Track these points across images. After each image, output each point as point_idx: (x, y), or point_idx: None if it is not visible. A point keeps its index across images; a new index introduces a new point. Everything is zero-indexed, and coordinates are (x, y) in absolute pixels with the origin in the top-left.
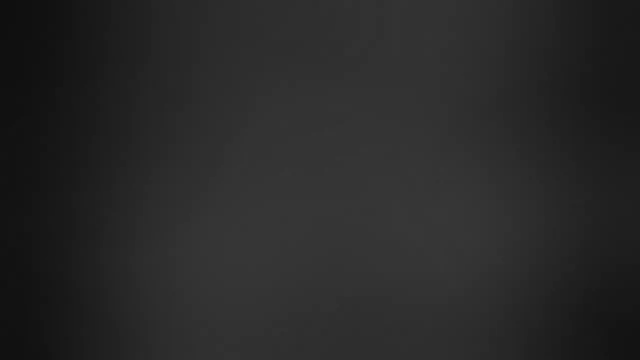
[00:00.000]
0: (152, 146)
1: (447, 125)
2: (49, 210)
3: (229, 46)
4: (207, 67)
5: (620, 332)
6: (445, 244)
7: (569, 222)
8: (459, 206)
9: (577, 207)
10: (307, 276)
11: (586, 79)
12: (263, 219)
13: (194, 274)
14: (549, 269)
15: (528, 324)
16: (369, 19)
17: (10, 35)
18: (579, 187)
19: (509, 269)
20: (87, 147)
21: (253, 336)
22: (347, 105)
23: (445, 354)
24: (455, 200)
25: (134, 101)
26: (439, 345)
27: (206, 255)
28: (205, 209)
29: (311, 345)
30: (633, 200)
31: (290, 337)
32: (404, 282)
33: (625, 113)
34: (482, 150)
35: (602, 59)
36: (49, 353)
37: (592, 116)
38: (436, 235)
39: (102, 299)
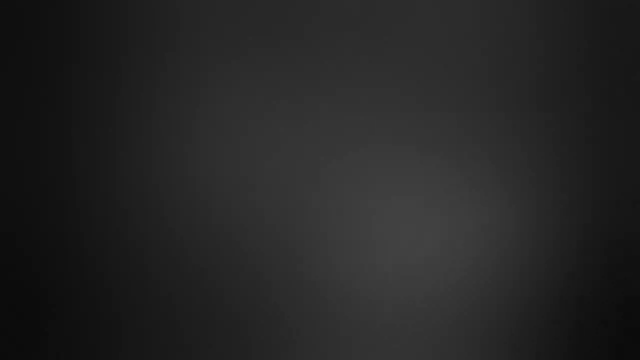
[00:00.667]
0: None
1: (441, 124)
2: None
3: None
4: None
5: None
6: (439, 244)
7: (563, 221)
8: (452, 206)
9: (573, 207)
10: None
11: (586, 78)
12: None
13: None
14: (546, 269)
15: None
16: (365, 16)
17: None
18: (577, 186)
19: (506, 269)
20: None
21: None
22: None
23: (443, 350)
24: (449, 200)
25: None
26: (437, 344)
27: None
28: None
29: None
30: (629, 198)
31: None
32: (402, 281)
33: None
34: (476, 150)
35: (603, 58)
36: (49, 350)
37: (593, 117)
38: (430, 235)
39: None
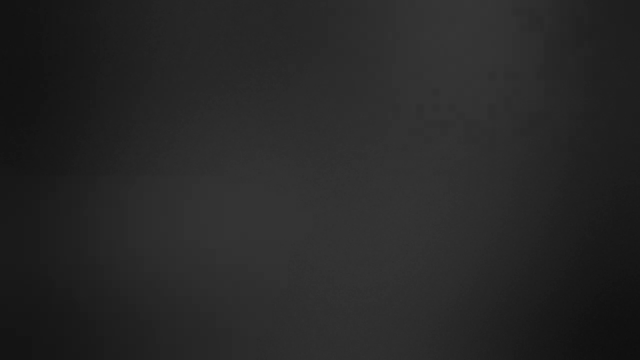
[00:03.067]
0: (143, 144)
1: (439, 125)
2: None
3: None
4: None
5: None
6: (436, 243)
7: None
8: (450, 208)
9: (573, 207)
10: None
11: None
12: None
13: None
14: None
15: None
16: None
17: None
18: (577, 186)
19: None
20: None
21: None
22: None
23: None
24: (448, 201)
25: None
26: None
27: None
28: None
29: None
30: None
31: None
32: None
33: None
34: (476, 150)
35: (602, 61)
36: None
37: (593, 116)
38: (427, 234)
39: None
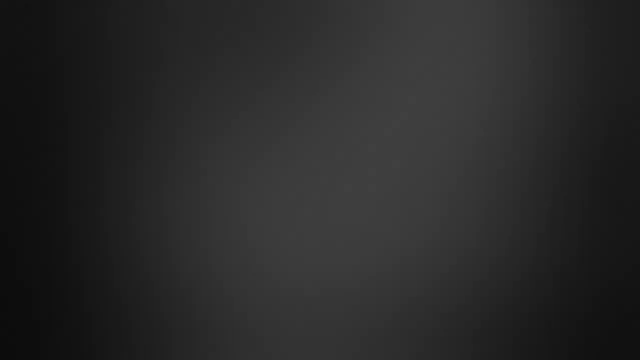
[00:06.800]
0: (152, 146)
1: (437, 127)
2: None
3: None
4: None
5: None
6: (432, 242)
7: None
8: (446, 206)
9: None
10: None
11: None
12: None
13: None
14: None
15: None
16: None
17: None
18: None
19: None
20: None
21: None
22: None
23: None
24: (445, 199)
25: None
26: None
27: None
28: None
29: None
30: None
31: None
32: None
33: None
34: (474, 150)
35: (602, 61)
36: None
37: (592, 118)
38: (423, 231)
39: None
